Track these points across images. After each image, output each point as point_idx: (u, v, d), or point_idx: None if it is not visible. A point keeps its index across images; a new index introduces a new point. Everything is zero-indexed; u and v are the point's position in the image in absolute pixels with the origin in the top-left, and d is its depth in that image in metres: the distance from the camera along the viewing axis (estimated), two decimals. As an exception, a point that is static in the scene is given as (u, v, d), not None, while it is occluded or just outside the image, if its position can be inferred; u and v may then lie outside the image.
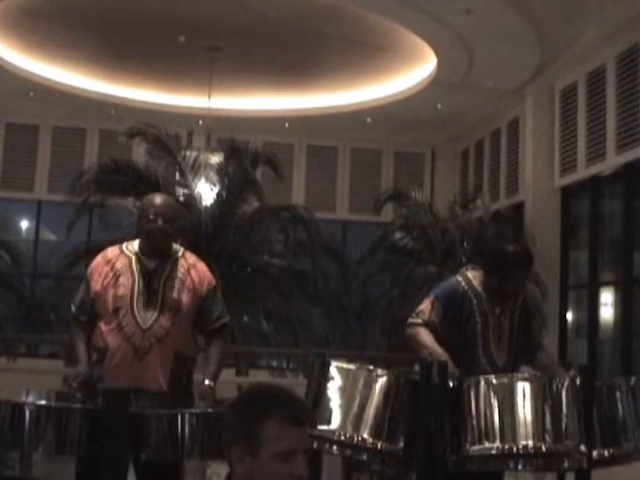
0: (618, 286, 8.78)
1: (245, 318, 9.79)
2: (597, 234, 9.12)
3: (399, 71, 10.26)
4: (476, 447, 3.70)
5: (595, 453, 3.74)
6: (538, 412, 3.72)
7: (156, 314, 3.93)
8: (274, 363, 11.50)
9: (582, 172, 9.07)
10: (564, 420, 3.71)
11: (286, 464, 2.10)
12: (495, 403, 3.74)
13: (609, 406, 3.81)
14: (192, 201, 9.66)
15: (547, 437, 3.68)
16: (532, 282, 8.07)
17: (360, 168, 12.58)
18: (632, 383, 3.87)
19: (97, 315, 3.99)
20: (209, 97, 10.15)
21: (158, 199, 4.14)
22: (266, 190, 9.92)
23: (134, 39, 9.62)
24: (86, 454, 3.50)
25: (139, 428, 3.50)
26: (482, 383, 3.79)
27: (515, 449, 3.68)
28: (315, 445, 3.66)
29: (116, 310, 3.93)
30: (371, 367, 3.91)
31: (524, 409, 3.72)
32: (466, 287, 4.34)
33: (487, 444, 3.70)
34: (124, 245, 4.13)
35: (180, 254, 4.10)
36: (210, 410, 3.62)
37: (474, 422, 3.72)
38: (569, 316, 9.61)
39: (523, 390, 3.76)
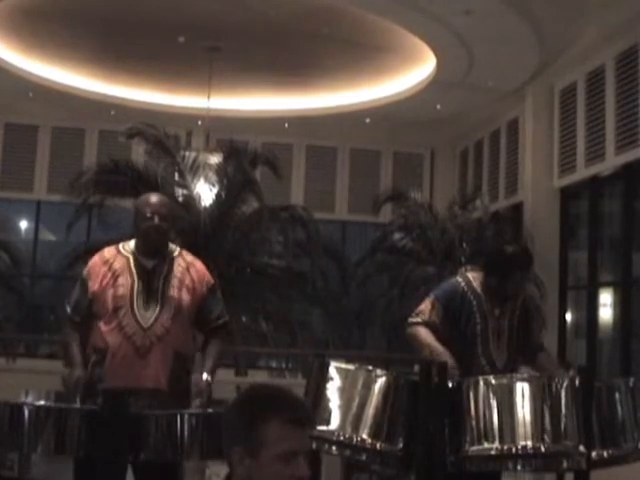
0: (617, 287, 8.77)
1: (244, 318, 9.76)
2: (596, 235, 9.11)
3: (398, 71, 10.25)
4: (475, 447, 3.71)
5: (594, 454, 3.75)
6: (537, 413, 3.72)
7: (156, 313, 3.93)
8: (273, 363, 11.48)
9: (581, 172, 9.06)
10: (563, 421, 3.72)
11: (287, 465, 2.10)
12: (494, 404, 3.74)
13: (608, 407, 3.82)
14: (191, 201, 9.63)
15: (546, 438, 3.69)
16: (531, 283, 8.07)
17: (359, 168, 12.56)
18: (631, 384, 3.88)
19: (94, 315, 3.98)
20: (208, 97, 10.15)
21: (153, 197, 4.15)
22: (265, 190, 9.89)
23: (134, 39, 9.61)
24: (84, 454, 3.50)
25: (138, 428, 3.50)
26: (481, 384, 3.79)
27: (514, 449, 3.69)
28: (314, 445, 3.66)
29: (116, 310, 3.93)
30: (370, 367, 3.91)
31: (523, 410, 3.72)
32: (466, 288, 4.35)
33: (486, 444, 3.70)
34: (120, 245, 4.13)
35: (177, 253, 4.11)
36: (210, 410, 3.63)
37: (473, 422, 3.73)
38: (568, 317, 9.59)
39: (522, 391, 3.76)
